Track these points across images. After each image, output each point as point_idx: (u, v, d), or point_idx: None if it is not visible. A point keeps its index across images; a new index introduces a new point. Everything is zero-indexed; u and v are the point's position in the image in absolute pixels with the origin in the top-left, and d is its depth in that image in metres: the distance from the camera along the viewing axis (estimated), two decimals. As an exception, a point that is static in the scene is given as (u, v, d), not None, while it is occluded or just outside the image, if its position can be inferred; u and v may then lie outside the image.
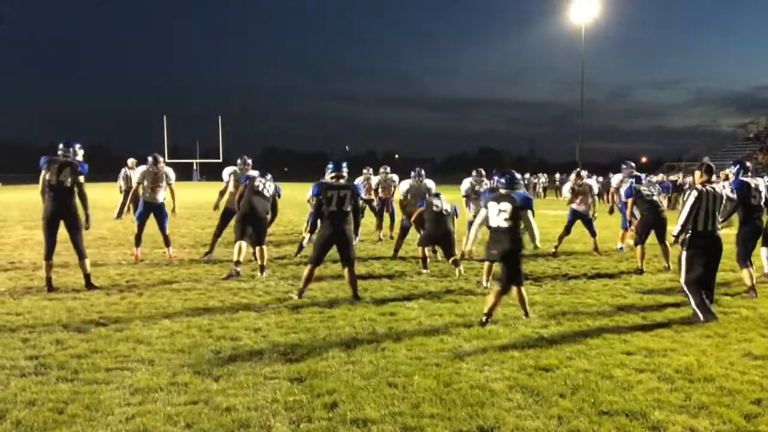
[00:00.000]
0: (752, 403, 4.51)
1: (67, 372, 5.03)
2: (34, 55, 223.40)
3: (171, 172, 11.02)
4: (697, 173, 7.36)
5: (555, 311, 7.31)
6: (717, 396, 4.63)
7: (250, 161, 10.89)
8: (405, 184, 11.98)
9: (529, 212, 6.92)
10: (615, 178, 13.40)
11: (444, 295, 8.22)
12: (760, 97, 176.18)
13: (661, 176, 33.07)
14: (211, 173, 75.68)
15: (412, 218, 10.65)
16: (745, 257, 8.41)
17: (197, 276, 9.42)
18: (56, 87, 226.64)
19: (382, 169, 14.80)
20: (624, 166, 12.84)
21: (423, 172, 12.03)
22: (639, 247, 10.29)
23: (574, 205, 12.23)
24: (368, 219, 15.80)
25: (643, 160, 75.72)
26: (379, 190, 14.50)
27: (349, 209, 7.92)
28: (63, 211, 8.20)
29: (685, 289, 7.06)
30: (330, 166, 8.20)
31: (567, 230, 12.25)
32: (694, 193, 7.06)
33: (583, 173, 13.56)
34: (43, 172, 8.23)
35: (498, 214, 6.86)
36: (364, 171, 15.59)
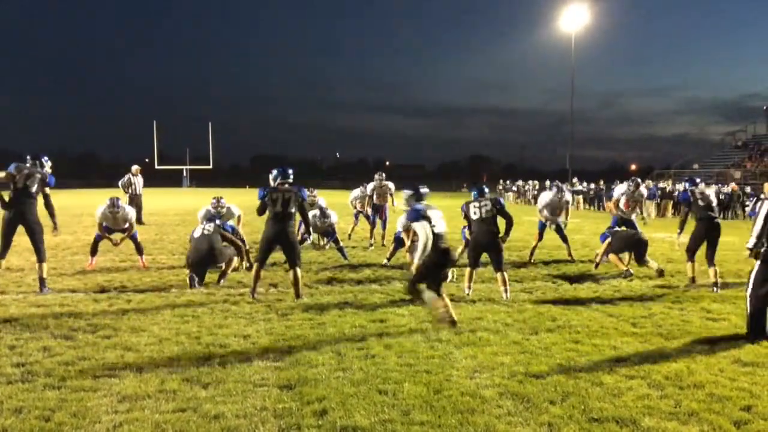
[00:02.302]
0: (742, 410, 4.52)
1: (54, 379, 4.99)
2: (22, 61, 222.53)
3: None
4: (766, 185, 7.22)
5: (545, 318, 7.31)
6: (707, 403, 4.64)
7: (223, 201, 10.77)
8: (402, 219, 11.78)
9: None
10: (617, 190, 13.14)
11: (434, 301, 8.20)
12: (748, 105, 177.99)
13: (648, 182, 33.33)
14: (201, 180, 75.49)
15: (406, 234, 10.60)
16: None
17: (186, 282, 9.36)
18: (45, 94, 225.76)
19: (377, 176, 14.66)
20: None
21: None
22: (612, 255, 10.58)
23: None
24: (362, 225, 15.79)
25: (633, 167, 76.13)
26: (374, 196, 14.43)
27: (293, 210, 8.27)
28: (25, 216, 8.40)
29: (747, 301, 6.68)
30: (274, 172, 8.56)
31: (540, 237, 12.39)
32: (767, 204, 6.89)
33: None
34: (7, 171, 8.49)
35: None
36: (361, 187, 15.58)
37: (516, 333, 6.63)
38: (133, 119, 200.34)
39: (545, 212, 12.18)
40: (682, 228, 9.92)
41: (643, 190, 12.05)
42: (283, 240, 8.23)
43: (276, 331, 6.61)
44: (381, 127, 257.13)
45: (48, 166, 8.92)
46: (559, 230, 12.33)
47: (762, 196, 7.13)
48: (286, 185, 8.41)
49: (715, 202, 9.81)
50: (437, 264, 6.85)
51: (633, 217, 11.91)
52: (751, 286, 6.58)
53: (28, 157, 8.84)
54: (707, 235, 9.52)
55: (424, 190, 7.24)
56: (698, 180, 10.24)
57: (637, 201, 11.95)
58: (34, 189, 8.50)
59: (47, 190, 8.66)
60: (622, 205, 11.94)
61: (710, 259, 9.45)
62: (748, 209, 21.62)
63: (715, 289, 9.18)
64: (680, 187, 29.26)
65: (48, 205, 8.70)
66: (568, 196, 12.35)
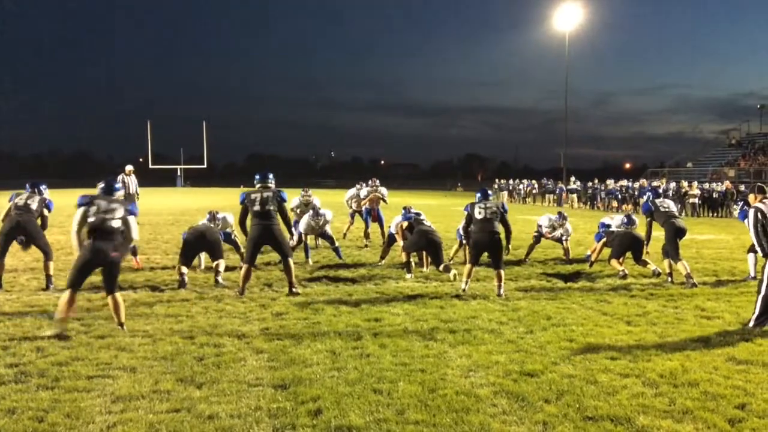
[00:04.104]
0: (736, 408, 4.53)
1: (48, 380, 4.97)
2: (14, 59, 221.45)
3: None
4: (751, 196, 7.58)
5: (540, 316, 7.32)
6: (701, 401, 4.65)
7: (219, 214, 10.89)
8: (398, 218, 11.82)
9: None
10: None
11: (429, 300, 8.21)
12: (741, 104, 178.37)
13: (642, 181, 33.43)
14: (196, 179, 75.29)
15: (398, 233, 10.84)
16: None
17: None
18: (38, 92, 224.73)
19: (371, 182, 15.07)
20: None
21: (414, 210, 11.78)
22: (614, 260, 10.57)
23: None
24: (357, 225, 15.78)
25: (627, 166, 76.40)
26: (368, 201, 14.61)
27: (273, 208, 8.48)
28: (25, 227, 8.80)
29: (759, 296, 6.96)
30: (257, 177, 8.82)
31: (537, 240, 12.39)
32: (752, 211, 7.18)
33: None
34: (10, 204, 9.01)
35: None
36: (357, 186, 15.95)
37: (511, 331, 6.63)
38: (127, 118, 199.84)
39: (545, 230, 12.17)
40: (648, 239, 10.25)
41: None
42: (269, 238, 8.47)
43: (270, 330, 6.60)
44: (375, 126, 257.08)
45: (46, 193, 9.35)
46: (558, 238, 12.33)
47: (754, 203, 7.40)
48: (266, 187, 8.67)
49: (675, 209, 10.43)
50: (90, 260, 6.44)
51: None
52: (765, 285, 6.88)
53: (27, 186, 9.39)
54: (677, 236, 9.84)
55: (117, 185, 7.02)
56: (661, 190, 10.49)
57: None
58: (34, 207, 8.96)
59: (46, 212, 9.14)
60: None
61: (665, 254, 10.03)
62: (735, 213, 21.81)
63: (669, 279, 9.83)
64: (672, 186, 29.54)
65: (44, 226, 9.19)
66: (569, 227, 12.33)
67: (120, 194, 7.00)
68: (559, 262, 11.87)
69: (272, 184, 8.82)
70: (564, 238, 12.21)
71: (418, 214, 10.92)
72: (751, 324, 6.87)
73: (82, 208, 6.56)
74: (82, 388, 4.80)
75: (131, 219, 6.77)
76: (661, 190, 29.54)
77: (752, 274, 10.00)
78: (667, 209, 10.08)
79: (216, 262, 9.46)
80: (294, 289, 8.55)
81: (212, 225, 10.11)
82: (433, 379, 5.09)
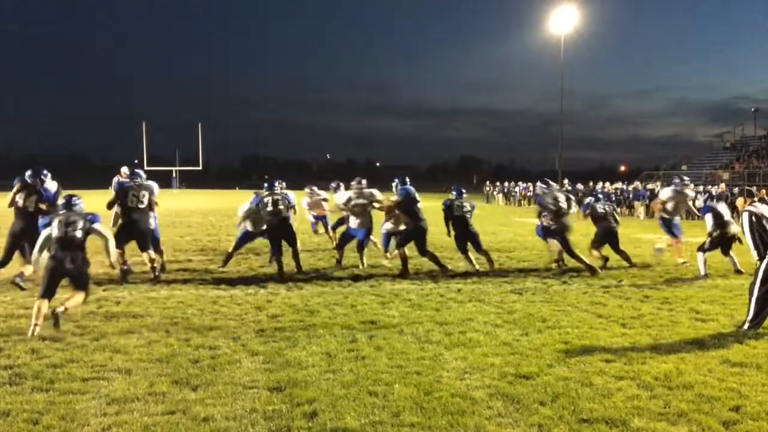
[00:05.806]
0: (730, 410, 4.54)
1: (43, 382, 4.96)
2: (12, 61, 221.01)
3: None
4: (740, 200, 7.83)
5: (535, 319, 7.33)
6: (696, 403, 4.66)
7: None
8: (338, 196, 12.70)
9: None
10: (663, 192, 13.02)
11: (424, 302, 8.21)
12: (736, 107, 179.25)
13: (637, 184, 33.51)
14: (191, 181, 75.20)
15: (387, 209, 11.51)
16: None
17: (175, 284, 9.33)
18: (34, 94, 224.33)
19: (355, 182, 14.87)
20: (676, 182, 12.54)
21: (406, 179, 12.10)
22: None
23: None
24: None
25: (622, 168, 76.59)
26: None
27: (283, 207, 10.38)
28: (27, 231, 8.92)
29: (752, 298, 6.97)
30: (265, 185, 10.69)
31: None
32: (746, 215, 7.26)
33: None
34: (14, 188, 9.24)
35: None
36: (332, 185, 16.06)
37: (506, 334, 6.64)
38: (123, 120, 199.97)
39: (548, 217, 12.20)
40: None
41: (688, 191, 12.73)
42: (283, 231, 10.29)
43: (266, 333, 6.59)
44: (371, 128, 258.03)
45: (48, 179, 9.38)
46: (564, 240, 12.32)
47: (741, 208, 7.61)
48: (273, 193, 10.43)
49: (609, 210, 11.87)
50: (54, 268, 6.60)
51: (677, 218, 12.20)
52: (758, 284, 6.91)
53: (29, 172, 9.33)
54: (605, 236, 11.53)
55: (76, 200, 7.09)
56: (600, 195, 13.10)
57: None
58: (31, 208, 9.11)
59: (42, 206, 9.10)
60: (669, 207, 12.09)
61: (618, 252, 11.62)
62: (698, 203, 21.31)
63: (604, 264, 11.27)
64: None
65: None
66: (568, 218, 12.34)
67: (79, 208, 7.09)
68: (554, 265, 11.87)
69: (278, 191, 10.49)
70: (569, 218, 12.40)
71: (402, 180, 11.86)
72: (745, 326, 6.89)
73: (45, 231, 6.76)
74: (76, 390, 4.80)
75: (97, 226, 6.93)
76: (656, 192, 29.74)
77: (703, 272, 10.52)
78: (602, 212, 11.63)
79: (145, 254, 9.65)
80: (301, 269, 10.43)
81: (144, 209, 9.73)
82: (429, 381, 5.09)
